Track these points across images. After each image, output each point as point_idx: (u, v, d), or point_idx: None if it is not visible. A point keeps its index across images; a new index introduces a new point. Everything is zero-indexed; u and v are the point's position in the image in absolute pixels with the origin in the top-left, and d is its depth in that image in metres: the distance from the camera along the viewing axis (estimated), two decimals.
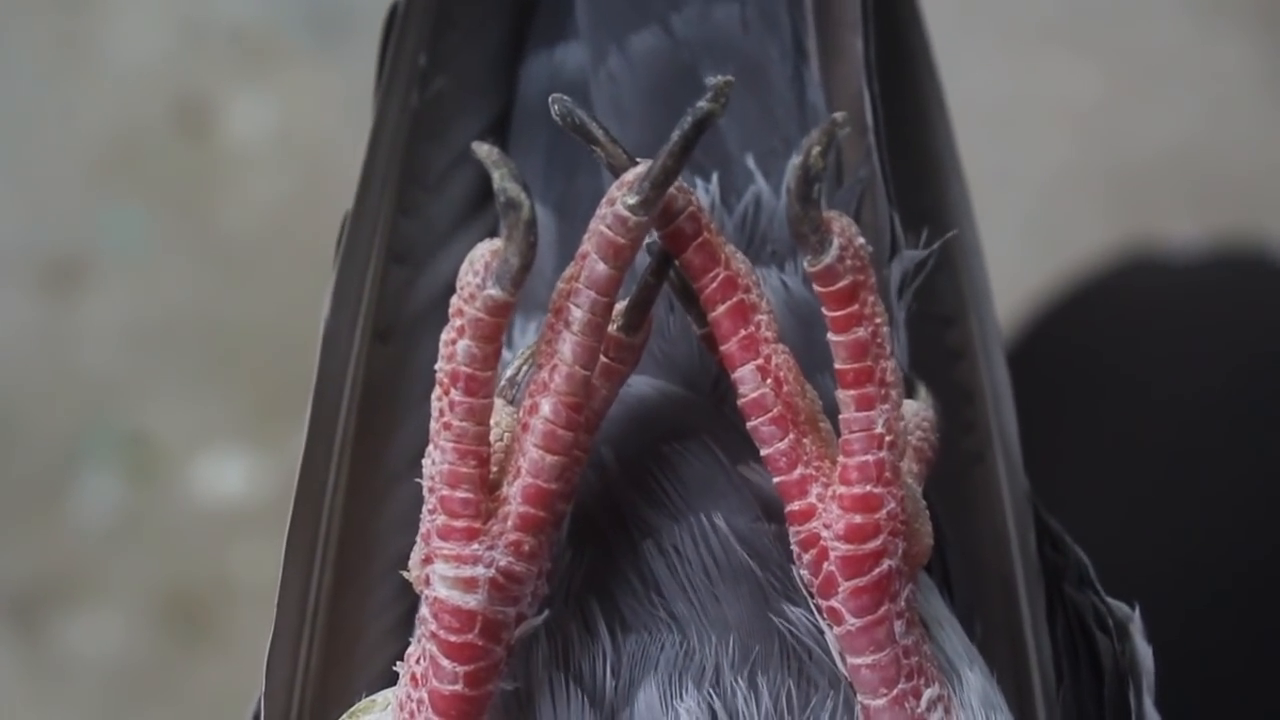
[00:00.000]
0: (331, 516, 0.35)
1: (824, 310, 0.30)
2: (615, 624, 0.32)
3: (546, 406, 0.30)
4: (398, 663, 0.31)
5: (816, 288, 0.30)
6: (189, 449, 0.99)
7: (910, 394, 0.35)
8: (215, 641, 0.95)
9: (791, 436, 0.31)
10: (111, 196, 1.04)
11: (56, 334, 1.02)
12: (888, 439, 0.30)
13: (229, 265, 1.03)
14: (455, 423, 0.30)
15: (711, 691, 0.31)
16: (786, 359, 0.31)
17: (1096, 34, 1.08)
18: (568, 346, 0.30)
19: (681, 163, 0.30)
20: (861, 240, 0.30)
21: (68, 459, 0.99)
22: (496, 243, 0.29)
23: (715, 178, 0.36)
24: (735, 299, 0.30)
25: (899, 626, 0.30)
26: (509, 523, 0.30)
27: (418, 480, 0.31)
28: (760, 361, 0.30)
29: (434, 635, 0.30)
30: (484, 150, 0.29)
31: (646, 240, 0.31)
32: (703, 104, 0.30)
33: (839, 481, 0.30)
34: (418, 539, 0.31)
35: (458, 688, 0.30)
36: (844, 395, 0.30)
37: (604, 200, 0.30)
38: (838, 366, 0.30)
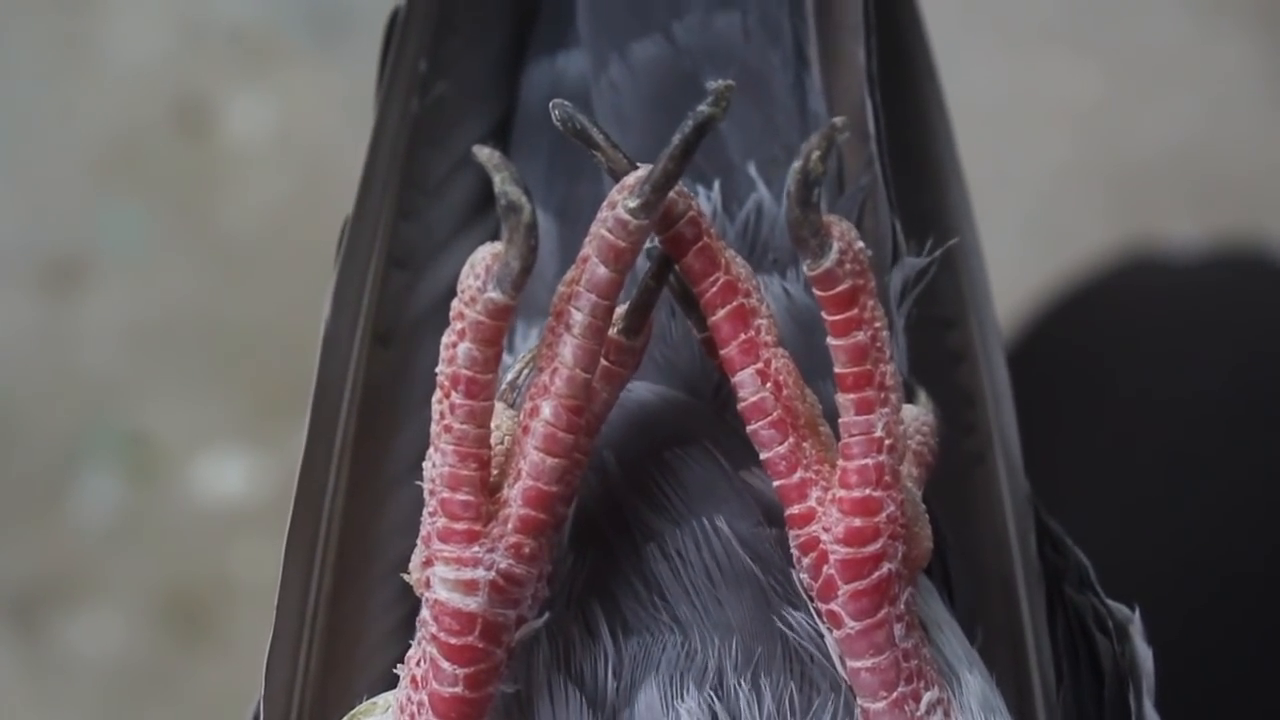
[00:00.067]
0: (331, 519, 0.35)
1: (823, 314, 0.30)
2: (617, 626, 0.32)
3: (547, 409, 0.30)
4: (398, 665, 0.31)
5: (816, 292, 0.30)
6: (189, 449, 0.99)
7: (910, 399, 0.35)
8: (215, 641, 0.95)
9: (791, 440, 0.31)
10: (111, 196, 1.04)
11: (56, 334, 1.02)
12: (887, 443, 0.30)
13: (229, 265, 1.03)
14: (456, 425, 0.30)
15: (713, 693, 0.31)
16: (786, 363, 0.31)
17: (1096, 34, 1.08)
18: (568, 349, 0.30)
19: (682, 166, 0.30)
20: (861, 244, 0.30)
21: (68, 459, 0.99)
22: (497, 246, 0.29)
23: (717, 185, 0.36)
24: (735, 303, 0.31)
25: (898, 630, 0.30)
26: (509, 525, 0.30)
27: (418, 483, 0.31)
28: (760, 365, 0.30)
29: (434, 637, 0.30)
30: (485, 154, 0.29)
31: (647, 245, 0.31)
32: (704, 108, 0.30)
33: (839, 485, 0.30)
34: (418, 541, 0.31)
35: (458, 690, 0.30)
36: (843, 399, 0.30)
37: (605, 204, 0.30)
38: (837, 370, 0.30)
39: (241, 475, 0.99)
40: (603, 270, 0.30)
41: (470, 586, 0.30)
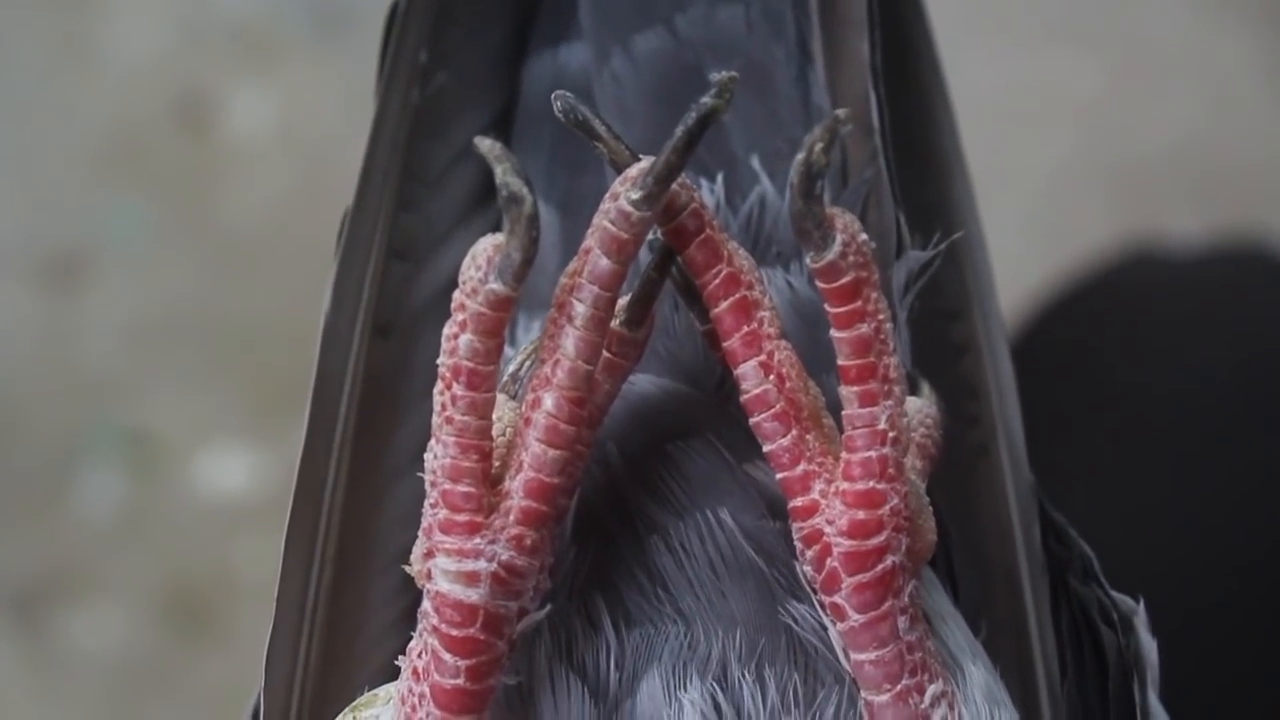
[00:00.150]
0: (332, 512, 0.35)
1: (826, 306, 0.30)
2: (620, 618, 0.32)
3: (549, 401, 0.30)
4: (399, 657, 0.31)
5: (819, 284, 0.30)
6: (191, 444, 0.99)
7: (913, 391, 0.35)
8: (217, 636, 0.95)
9: (794, 432, 0.30)
10: (113, 192, 1.04)
11: (58, 329, 1.02)
12: (891, 435, 0.30)
13: (230, 261, 1.03)
14: (457, 417, 0.30)
15: (716, 683, 0.31)
16: (789, 355, 0.31)
17: (1098, 29, 1.08)
18: (570, 341, 0.30)
19: (685, 158, 0.30)
20: (864, 236, 0.30)
21: (69, 454, 0.99)
22: (499, 237, 0.29)
23: (720, 178, 0.36)
24: (738, 295, 0.30)
25: (902, 622, 0.30)
26: (511, 517, 0.30)
27: (419, 475, 0.31)
28: (763, 358, 0.30)
29: (436, 629, 0.30)
30: (486, 145, 0.29)
31: (649, 237, 0.31)
32: (707, 100, 0.30)
33: (842, 477, 0.30)
34: (419, 533, 0.31)
35: (460, 682, 0.30)
36: (847, 391, 0.30)
37: (607, 195, 0.30)
38: (840, 363, 0.30)
39: (243, 470, 0.99)
40: (605, 262, 0.30)
41: (472, 578, 0.30)
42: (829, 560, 0.30)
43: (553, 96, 0.31)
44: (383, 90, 0.37)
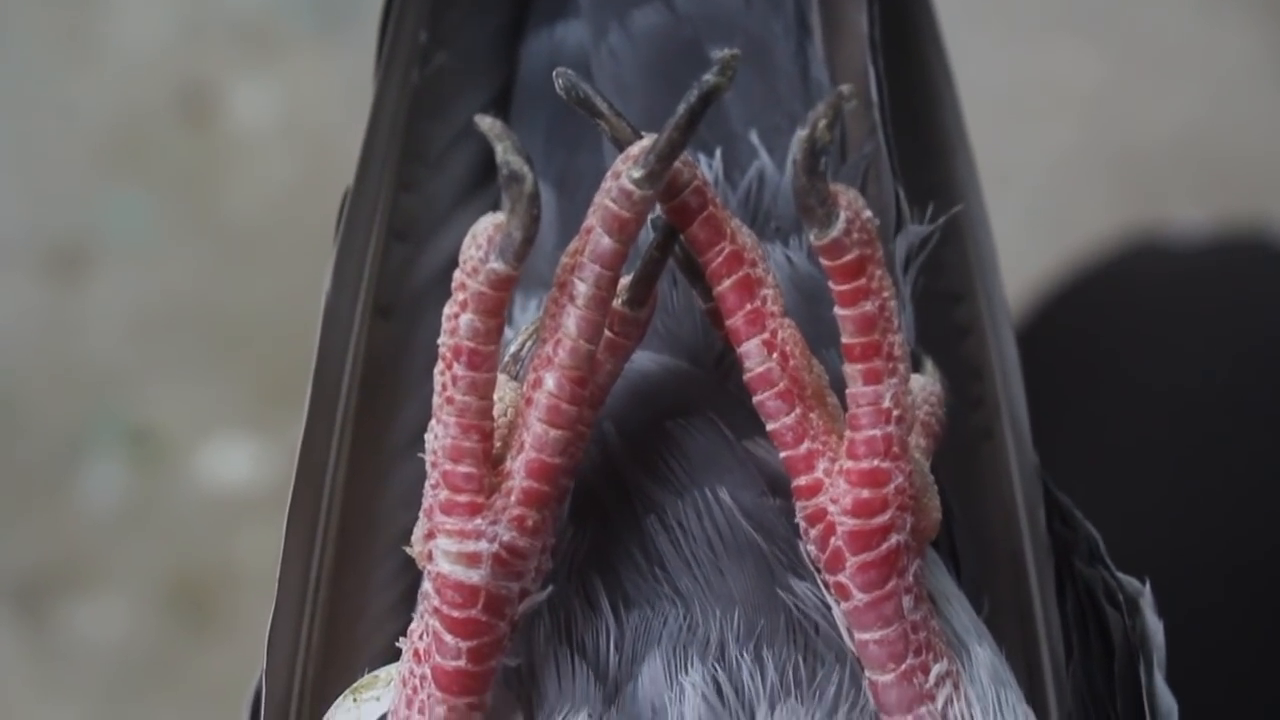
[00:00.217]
0: (333, 493, 0.35)
1: (830, 284, 0.30)
2: (618, 599, 0.32)
3: (550, 380, 0.30)
4: (400, 639, 0.31)
5: (823, 262, 0.30)
6: (194, 435, 0.99)
7: (917, 368, 0.35)
8: (220, 628, 0.95)
9: (798, 411, 0.30)
10: (116, 184, 1.04)
11: (61, 321, 1.02)
12: (895, 413, 0.30)
13: (233, 253, 1.03)
14: (458, 397, 0.30)
15: (716, 665, 0.31)
16: (793, 333, 0.30)
17: (1099, 20, 1.08)
18: (572, 320, 0.30)
19: (687, 136, 0.29)
20: (869, 214, 0.29)
21: (72, 446, 0.99)
22: (499, 216, 0.29)
23: (719, 154, 0.36)
24: (741, 273, 0.30)
25: (907, 601, 0.30)
26: (512, 497, 0.30)
27: (420, 456, 0.31)
28: (766, 336, 0.30)
29: (437, 611, 0.30)
30: (487, 123, 0.29)
31: (651, 215, 0.31)
32: (709, 77, 0.29)
33: (846, 456, 0.30)
34: (420, 514, 0.31)
35: (461, 663, 0.30)
36: (851, 370, 0.30)
37: (609, 174, 0.30)
38: (844, 341, 0.30)
39: (246, 462, 0.98)
40: (607, 241, 0.30)
41: (473, 559, 0.30)
42: (833, 539, 0.30)
43: (554, 74, 0.31)
44: (382, 71, 0.37)
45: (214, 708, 0.91)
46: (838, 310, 0.30)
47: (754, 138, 0.36)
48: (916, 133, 0.38)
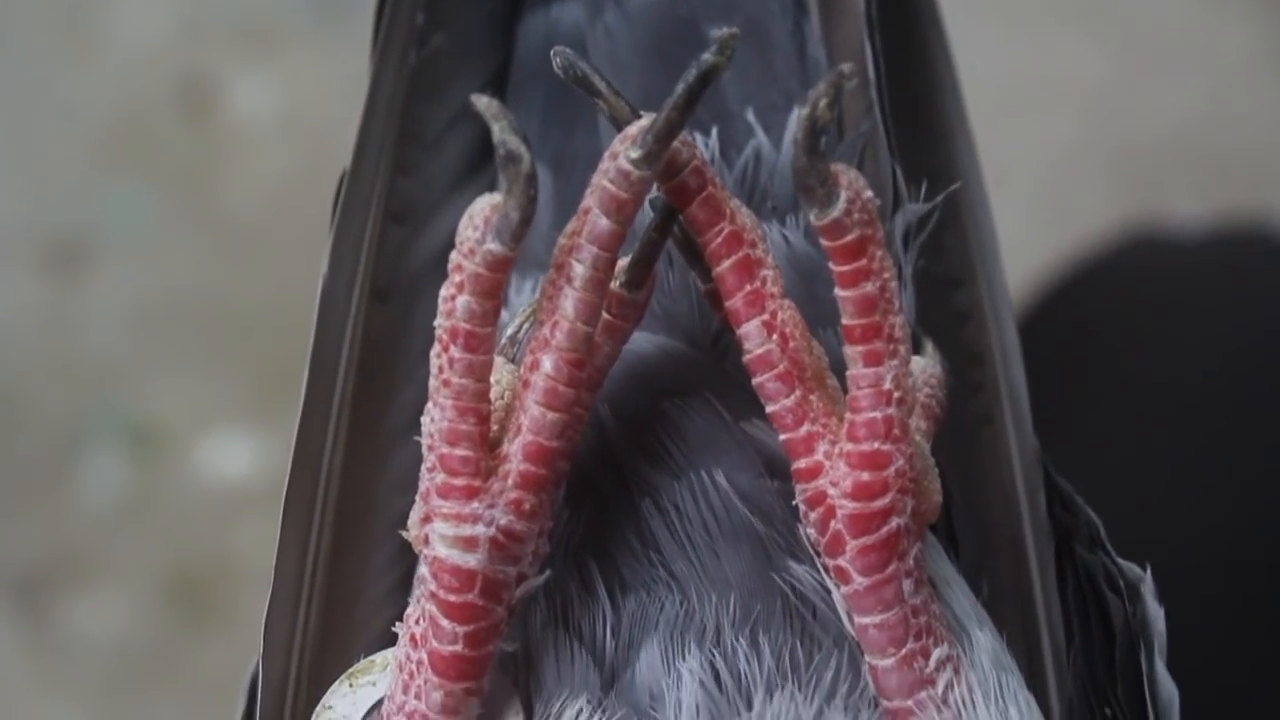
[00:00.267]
0: (330, 477, 0.35)
1: (831, 265, 0.29)
2: (614, 584, 0.32)
3: (548, 363, 0.30)
4: (397, 624, 0.31)
5: (823, 242, 0.29)
6: (193, 430, 0.99)
7: (917, 350, 0.34)
8: (220, 622, 0.95)
9: (798, 393, 0.30)
10: (115, 178, 1.04)
11: (60, 315, 1.01)
12: (896, 395, 0.30)
13: (233, 246, 1.02)
14: (455, 380, 0.29)
15: (714, 651, 0.31)
16: (793, 314, 0.30)
17: (1100, 13, 1.08)
18: (569, 302, 0.30)
19: (686, 116, 0.29)
20: (869, 194, 0.29)
21: (72, 440, 0.98)
22: (496, 197, 0.29)
23: (715, 132, 0.35)
24: (740, 254, 0.30)
25: (907, 585, 0.30)
26: (510, 481, 0.30)
27: (417, 439, 0.30)
28: (766, 317, 0.30)
29: (433, 595, 0.30)
30: (483, 103, 0.29)
31: (650, 195, 0.30)
32: (707, 57, 0.29)
33: (846, 438, 0.30)
34: (417, 498, 0.30)
35: (457, 648, 0.30)
36: (851, 351, 0.30)
37: (606, 154, 0.30)
38: (845, 322, 0.30)
39: (246, 456, 0.98)
40: (604, 222, 0.29)
41: (470, 543, 0.30)
42: (833, 523, 0.30)
43: (552, 52, 0.30)
44: (378, 54, 0.36)
45: (214, 701, 0.91)
46: (838, 291, 0.29)
47: (750, 116, 0.36)
48: (917, 116, 0.38)
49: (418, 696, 0.30)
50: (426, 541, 0.30)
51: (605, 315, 0.31)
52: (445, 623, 0.30)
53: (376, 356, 0.36)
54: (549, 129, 0.37)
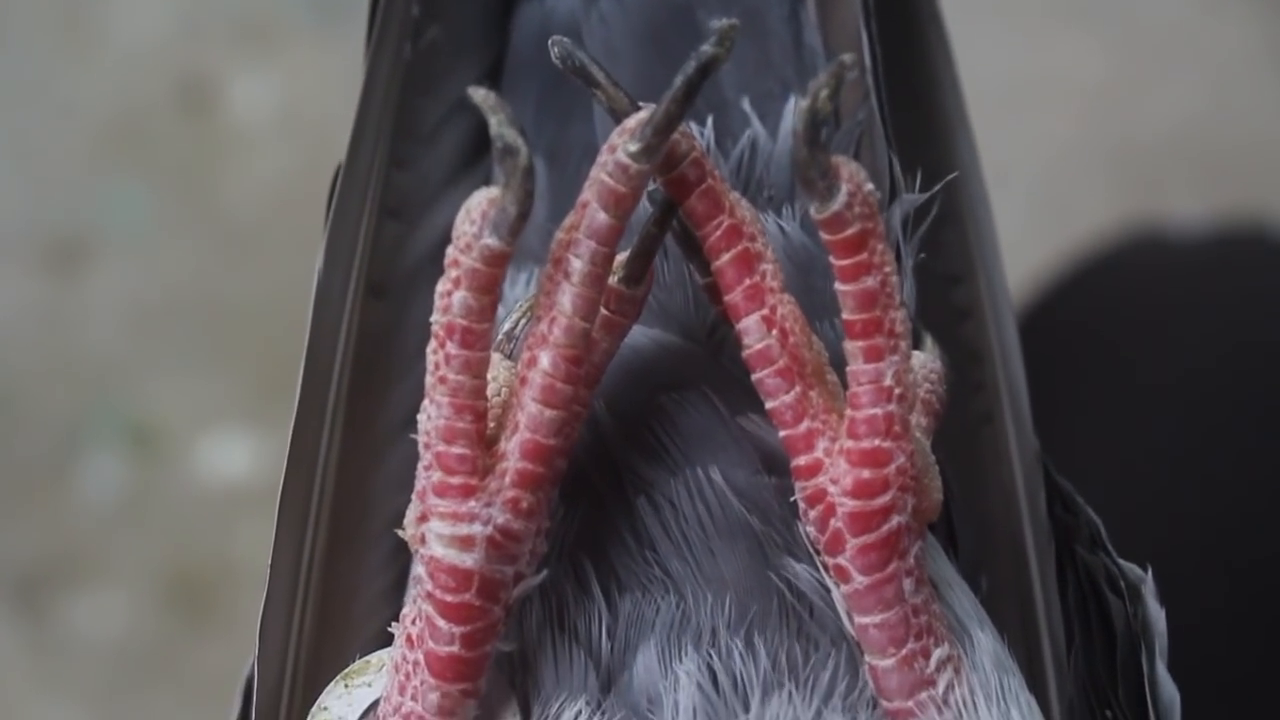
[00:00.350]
0: (325, 476, 0.35)
1: (831, 259, 0.29)
2: (610, 583, 0.31)
3: (545, 360, 0.29)
4: (393, 624, 0.31)
5: (823, 236, 0.29)
6: (193, 429, 0.99)
7: (917, 345, 0.34)
8: (219, 622, 0.95)
9: (798, 389, 0.30)
10: (114, 177, 1.03)
11: (59, 314, 1.01)
12: (897, 391, 0.29)
13: (232, 245, 1.02)
14: (451, 376, 0.29)
15: (710, 652, 0.31)
16: (792, 309, 0.30)
17: (1100, 11, 1.07)
18: (567, 298, 0.29)
19: (685, 109, 0.29)
20: (870, 187, 0.29)
21: (71, 439, 0.98)
22: (493, 191, 0.29)
23: (710, 121, 0.35)
24: (740, 247, 0.30)
25: (908, 584, 0.30)
26: (507, 479, 0.29)
27: (413, 437, 0.30)
28: (765, 312, 0.30)
29: (430, 595, 0.29)
30: (480, 95, 0.28)
31: (649, 188, 0.30)
32: (707, 48, 0.29)
33: (847, 435, 0.29)
34: (413, 496, 0.30)
35: (454, 649, 0.30)
36: (852, 346, 0.29)
37: (604, 148, 0.29)
38: (845, 317, 0.29)
39: (245, 455, 0.98)
40: (603, 216, 0.29)
41: (467, 542, 0.29)
42: (832, 521, 0.30)
43: (549, 42, 0.30)
44: (373, 47, 0.36)
45: (212, 701, 0.90)
46: (838, 286, 0.29)
47: (746, 105, 0.35)
48: (917, 113, 0.37)
49: (414, 698, 0.30)
50: (423, 540, 0.30)
51: (603, 311, 0.31)
52: (442, 623, 0.29)
53: (372, 353, 0.36)
54: (544, 119, 0.37)
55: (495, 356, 0.30)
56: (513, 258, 0.29)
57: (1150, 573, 0.35)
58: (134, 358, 1.00)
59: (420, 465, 0.30)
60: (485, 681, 0.30)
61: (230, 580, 0.95)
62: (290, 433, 0.34)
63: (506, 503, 0.29)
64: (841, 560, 0.30)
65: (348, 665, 0.32)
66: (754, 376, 0.30)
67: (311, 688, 0.33)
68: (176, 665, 0.95)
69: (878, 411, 0.29)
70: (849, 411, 0.30)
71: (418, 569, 0.30)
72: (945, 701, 0.30)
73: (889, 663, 0.30)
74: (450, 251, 0.29)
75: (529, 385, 0.30)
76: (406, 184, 0.37)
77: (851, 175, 0.29)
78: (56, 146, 1.05)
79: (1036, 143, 1.04)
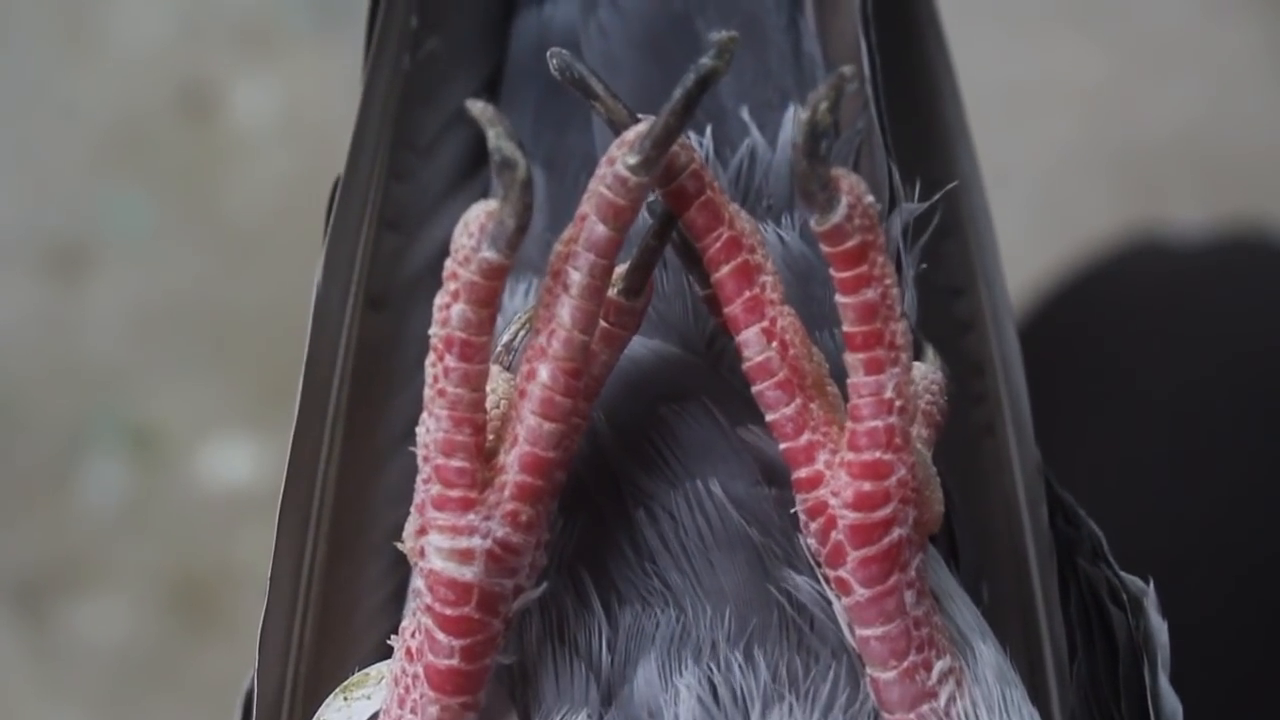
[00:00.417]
0: (325, 488, 0.35)
1: (831, 271, 0.29)
2: (610, 596, 0.31)
3: (544, 372, 0.29)
4: (392, 637, 0.31)
5: (824, 248, 0.29)
6: (194, 435, 0.99)
7: (918, 356, 0.34)
8: (221, 627, 0.95)
9: (798, 401, 0.30)
10: (115, 183, 1.04)
11: (61, 320, 1.01)
12: (898, 404, 0.29)
13: (233, 250, 1.02)
14: (450, 389, 0.29)
15: (710, 666, 0.31)
16: (792, 321, 0.30)
17: (1100, 16, 1.07)
18: (566, 311, 0.29)
19: (684, 121, 0.29)
20: (870, 199, 0.29)
21: (73, 445, 0.98)
22: (492, 204, 0.28)
23: (709, 131, 0.35)
24: (739, 259, 0.30)
25: (909, 597, 0.29)
26: (506, 492, 0.29)
27: (412, 450, 0.30)
28: (765, 324, 0.29)
29: (429, 608, 0.29)
30: (478, 108, 0.28)
31: (648, 200, 0.30)
32: (706, 60, 0.29)
33: (847, 448, 0.29)
34: (412, 509, 0.30)
35: (454, 662, 0.29)
36: (852, 358, 0.29)
37: (603, 160, 0.29)
38: (846, 329, 0.29)
39: (247, 461, 0.98)
40: (601, 229, 0.29)
41: (466, 555, 0.29)
42: (834, 533, 0.29)
43: (548, 54, 0.30)
44: (371, 59, 0.36)
45: (214, 707, 0.90)
46: (839, 298, 0.29)
47: (745, 114, 0.35)
48: (917, 124, 0.37)
49: (414, 711, 0.30)
50: (422, 554, 0.30)
51: (603, 323, 0.30)
52: (441, 636, 0.29)
53: (371, 365, 0.36)
54: (542, 128, 0.37)
55: (494, 369, 0.30)
56: (511, 270, 0.29)
57: (1152, 585, 0.34)
58: (135, 363, 1.00)
59: (419, 478, 0.30)
60: (485, 695, 0.30)
61: (231, 585, 0.95)
62: (290, 443, 0.34)
63: (505, 516, 0.29)
64: (842, 573, 0.30)
65: (347, 678, 0.32)
66: (754, 389, 0.30)
67: (311, 700, 0.33)
68: (178, 670, 0.95)
69: (879, 424, 0.29)
70: (850, 424, 0.29)
71: (417, 582, 0.30)
72: (947, 714, 0.30)
73: (891, 675, 0.30)
74: (449, 264, 0.29)
75: (528, 398, 0.30)
76: (405, 196, 0.37)
77: (851, 187, 0.28)
78: (58, 152, 1.05)
79: (1037, 147, 1.04)
